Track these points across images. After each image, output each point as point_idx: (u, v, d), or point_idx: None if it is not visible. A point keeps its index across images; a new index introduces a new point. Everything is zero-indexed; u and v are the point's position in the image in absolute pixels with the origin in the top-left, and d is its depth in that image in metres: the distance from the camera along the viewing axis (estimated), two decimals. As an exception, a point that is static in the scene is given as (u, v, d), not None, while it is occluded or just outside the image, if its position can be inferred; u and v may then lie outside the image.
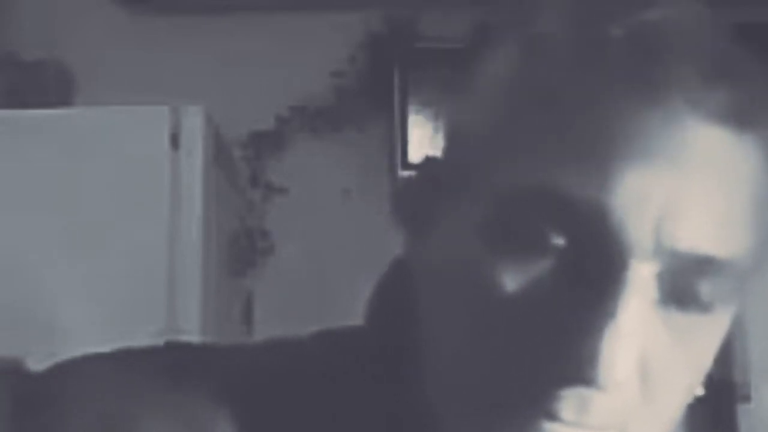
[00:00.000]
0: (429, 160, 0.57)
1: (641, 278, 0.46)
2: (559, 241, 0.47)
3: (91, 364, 0.58)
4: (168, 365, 0.58)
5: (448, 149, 0.55)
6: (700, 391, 0.54)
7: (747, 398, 2.57)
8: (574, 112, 0.48)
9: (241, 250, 2.80)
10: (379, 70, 2.84)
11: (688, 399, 0.53)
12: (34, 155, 2.29)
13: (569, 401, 0.47)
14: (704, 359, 0.51)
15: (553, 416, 0.47)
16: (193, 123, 2.34)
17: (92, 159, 2.29)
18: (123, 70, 2.85)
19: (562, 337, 0.46)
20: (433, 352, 0.52)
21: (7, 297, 2.18)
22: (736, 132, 0.48)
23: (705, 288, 0.48)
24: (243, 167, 2.91)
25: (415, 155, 2.69)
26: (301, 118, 2.94)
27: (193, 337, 2.15)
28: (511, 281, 0.48)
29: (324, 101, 2.94)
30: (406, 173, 2.68)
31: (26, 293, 2.21)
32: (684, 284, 0.48)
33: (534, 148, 0.48)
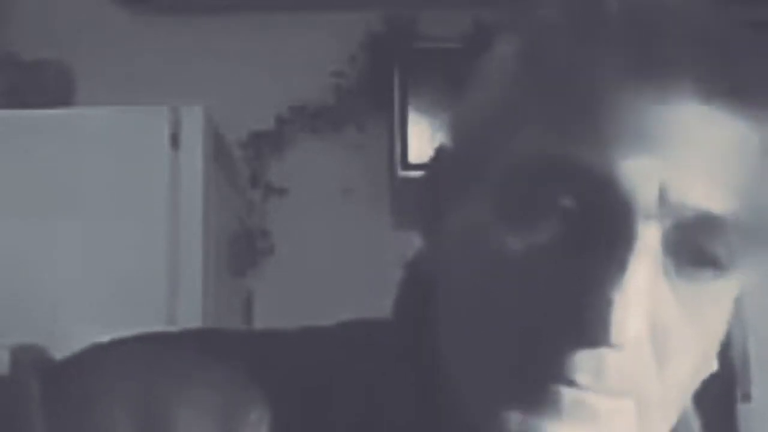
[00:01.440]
0: (439, 151, 0.58)
1: (648, 238, 0.47)
2: (568, 203, 0.48)
3: (119, 348, 0.58)
4: (199, 350, 0.58)
5: (457, 135, 0.57)
6: (714, 367, 0.55)
7: (747, 398, 2.57)
8: (576, 87, 0.49)
9: (241, 250, 2.80)
10: (379, 70, 2.84)
11: (703, 371, 0.53)
12: (34, 155, 2.29)
13: (584, 364, 0.47)
14: (715, 326, 0.52)
15: (569, 381, 0.48)
16: (193, 123, 2.34)
17: (92, 159, 2.29)
18: (123, 70, 2.85)
19: (573, 298, 0.47)
20: (451, 327, 0.53)
21: (6, 297, 2.18)
22: (732, 104, 0.49)
23: (712, 248, 0.49)
24: (243, 167, 2.90)
25: (415, 155, 2.68)
26: (301, 118, 2.94)
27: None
28: (522, 247, 0.49)
29: (324, 101, 2.93)
30: (406, 173, 2.68)
31: (26, 294, 2.20)
32: (691, 244, 0.49)
33: (542, 122, 0.50)
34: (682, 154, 0.48)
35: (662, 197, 0.48)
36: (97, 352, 0.58)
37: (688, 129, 0.48)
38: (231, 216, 2.72)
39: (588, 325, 0.46)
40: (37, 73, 2.66)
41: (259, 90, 2.88)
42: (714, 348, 0.53)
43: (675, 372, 0.50)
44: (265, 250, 2.87)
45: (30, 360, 0.58)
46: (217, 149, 2.48)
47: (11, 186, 2.28)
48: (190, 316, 2.22)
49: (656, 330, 0.49)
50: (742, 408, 2.56)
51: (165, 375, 0.56)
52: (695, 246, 0.49)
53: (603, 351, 0.47)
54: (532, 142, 0.49)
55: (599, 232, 0.48)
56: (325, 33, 2.92)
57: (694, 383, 0.53)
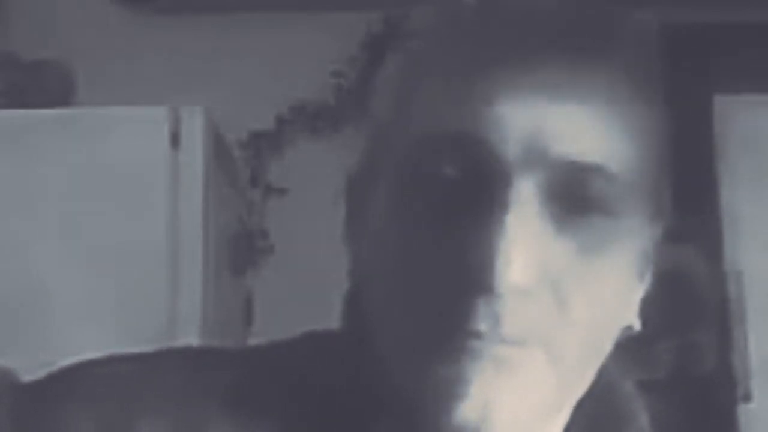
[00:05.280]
0: (353, 169, 0.65)
1: (523, 190, 0.52)
2: (451, 172, 0.53)
3: (88, 371, 0.59)
4: (167, 370, 0.59)
5: (368, 137, 0.65)
6: (635, 324, 0.58)
7: (747, 398, 2.57)
8: (451, 73, 0.56)
9: (241, 250, 2.80)
10: (379, 70, 2.84)
11: (616, 321, 0.56)
12: (34, 155, 2.29)
13: (483, 314, 0.51)
14: (616, 270, 0.54)
15: (475, 334, 0.51)
16: (193, 123, 2.34)
17: (92, 159, 2.29)
18: (123, 70, 2.85)
19: (464, 254, 0.51)
20: (375, 309, 0.57)
21: (5, 297, 2.18)
22: (597, 62, 0.54)
23: (591, 194, 0.53)
24: (243, 167, 2.90)
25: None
26: (301, 118, 2.94)
27: (193, 337, 2.15)
28: (418, 219, 0.54)
29: (324, 101, 2.94)
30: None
31: (25, 293, 2.20)
32: (572, 192, 0.53)
33: (426, 106, 0.56)
34: (547, 112, 0.52)
35: (531, 152, 0.52)
36: (66, 374, 0.59)
37: (552, 90, 0.53)
38: (231, 216, 2.72)
39: (478, 276, 0.50)
40: (37, 73, 2.66)
41: (259, 90, 2.88)
42: (625, 296, 0.56)
43: (581, 317, 0.53)
44: (265, 250, 2.87)
45: (1, 381, 0.58)
46: (217, 149, 2.48)
47: (10, 186, 2.28)
48: (190, 316, 2.22)
49: (550, 275, 0.52)
50: (742, 408, 2.56)
51: (132, 397, 0.56)
52: (576, 193, 0.53)
53: (497, 299, 0.50)
54: (418, 125, 0.56)
55: (480, 191, 0.52)
56: (325, 33, 2.92)
57: (608, 334, 0.56)
